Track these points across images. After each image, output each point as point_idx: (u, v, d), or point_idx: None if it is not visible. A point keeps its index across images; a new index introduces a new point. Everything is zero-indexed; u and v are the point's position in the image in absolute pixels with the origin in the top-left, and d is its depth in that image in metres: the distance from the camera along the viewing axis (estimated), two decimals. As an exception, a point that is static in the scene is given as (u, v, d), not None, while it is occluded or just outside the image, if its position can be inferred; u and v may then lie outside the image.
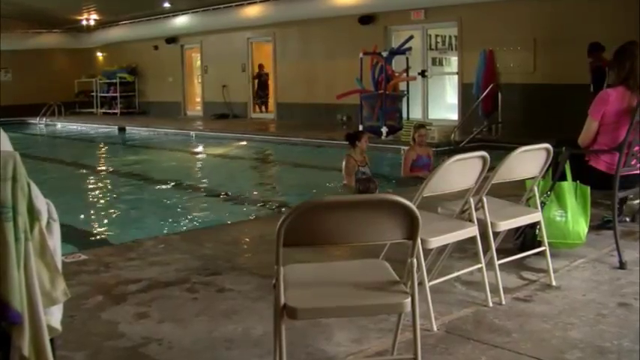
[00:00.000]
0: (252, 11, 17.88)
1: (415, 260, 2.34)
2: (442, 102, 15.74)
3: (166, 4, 19.31)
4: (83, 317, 3.29)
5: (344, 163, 8.09)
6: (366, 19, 15.55)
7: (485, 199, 3.42)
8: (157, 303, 3.50)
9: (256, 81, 19.58)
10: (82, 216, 7.36)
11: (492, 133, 12.53)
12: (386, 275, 2.48)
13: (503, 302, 3.38)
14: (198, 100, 21.84)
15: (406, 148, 8.78)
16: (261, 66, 19.39)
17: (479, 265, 3.39)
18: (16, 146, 1.92)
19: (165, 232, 6.23)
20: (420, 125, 9.23)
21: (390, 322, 2.99)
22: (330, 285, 2.45)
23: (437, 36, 15.27)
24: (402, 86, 13.62)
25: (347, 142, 8.28)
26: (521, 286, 3.66)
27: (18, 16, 20.65)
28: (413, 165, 8.64)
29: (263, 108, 19.83)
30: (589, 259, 4.12)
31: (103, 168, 12.33)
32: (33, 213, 1.74)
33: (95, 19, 22.47)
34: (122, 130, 18.92)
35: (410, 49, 13.29)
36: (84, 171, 11.69)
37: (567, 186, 4.08)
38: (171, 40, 21.48)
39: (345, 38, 15.87)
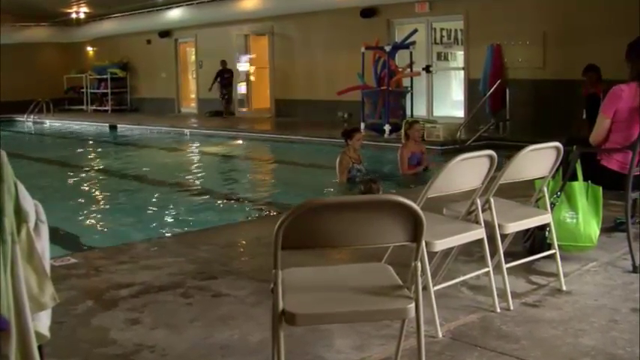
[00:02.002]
0: (249, 4, 17.89)
1: (419, 264, 2.34)
2: (447, 99, 15.74)
3: (159, -4, 19.36)
4: (72, 323, 3.29)
5: (338, 160, 8.37)
6: (368, 12, 15.56)
7: (492, 200, 3.42)
8: (149, 308, 3.50)
9: (219, 79, 18.85)
10: (72, 218, 7.35)
11: (500, 132, 12.52)
12: (389, 279, 2.48)
13: (512, 308, 3.38)
14: (193, 96, 21.85)
15: (400, 150, 9.06)
16: (224, 62, 18.83)
17: (486, 269, 3.40)
18: (3, 145, 1.92)
19: (158, 234, 6.23)
20: (414, 121, 9.42)
21: (393, 328, 2.99)
22: (330, 290, 2.45)
23: (442, 30, 15.27)
24: (406, 82, 13.61)
25: (343, 139, 8.57)
26: (530, 291, 3.66)
27: (4, 9, 20.63)
28: (407, 162, 8.82)
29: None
30: (601, 263, 4.12)
31: (94, 167, 12.32)
32: (20, 214, 1.74)
33: (85, 12, 22.47)
34: (113, 127, 18.92)
35: (414, 43, 13.30)
36: (73, 171, 11.67)
37: (578, 186, 4.08)
38: (165, 33, 21.49)
39: (346, 32, 15.86)
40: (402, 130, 9.33)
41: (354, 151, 8.40)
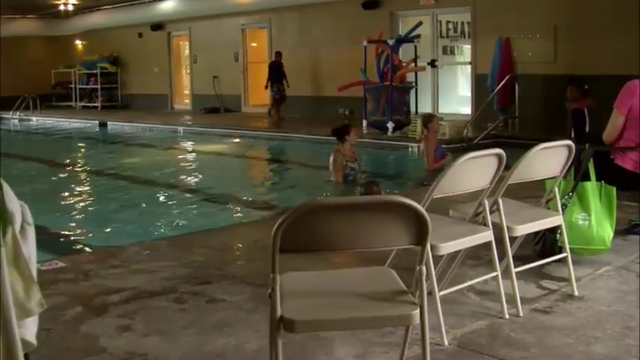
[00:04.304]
0: (246, -5, 17.91)
1: (424, 268, 2.34)
2: (454, 95, 15.74)
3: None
4: (61, 330, 3.29)
5: (331, 158, 8.41)
6: (371, 4, 15.55)
7: (500, 201, 3.42)
8: (141, 315, 3.50)
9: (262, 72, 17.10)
10: (60, 220, 7.35)
11: (508, 129, 12.52)
12: (392, 284, 2.48)
13: (521, 314, 3.38)
14: (187, 92, 21.85)
15: (419, 144, 9.37)
16: (278, 53, 16.83)
17: (494, 274, 3.39)
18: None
19: (150, 236, 6.23)
20: (432, 115, 9.81)
21: (396, 335, 2.99)
22: (331, 295, 2.46)
23: (448, 22, 15.26)
24: (410, 77, 13.61)
25: (334, 138, 8.61)
26: (541, 297, 3.66)
27: (-11, 1, 20.65)
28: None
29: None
30: (615, 267, 4.12)
31: (83, 167, 12.33)
32: (5, 216, 1.74)
33: (74, 4, 22.42)
34: (103, 125, 18.92)
35: (418, 36, 13.30)
36: (61, 170, 11.68)
37: (591, 186, 4.08)
38: (157, 26, 21.48)
39: (347, 25, 15.86)
40: (420, 125, 9.57)
41: (349, 148, 8.47)
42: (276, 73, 16.58)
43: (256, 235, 5.14)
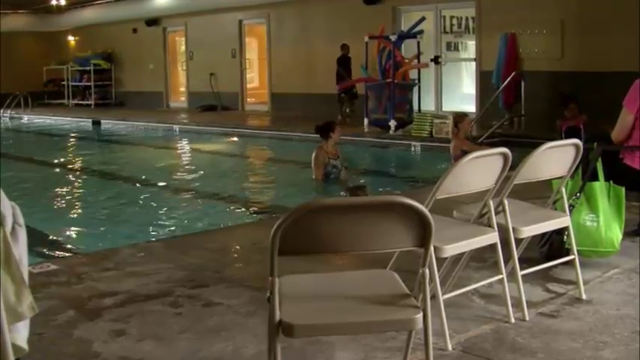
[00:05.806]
0: (244, -11, 17.92)
1: (427, 271, 2.34)
2: (458, 92, 15.74)
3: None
4: (53, 335, 3.29)
5: (314, 155, 8.54)
6: (372, -1, 15.58)
7: (506, 202, 3.43)
8: (135, 319, 3.50)
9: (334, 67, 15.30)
10: (52, 221, 7.35)
11: (514, 127, 12.53)
12: (394, 287, 2.48)
13: (527, 318, 3.38)
14: (183, 89, 21.86)
15: (453, 143, 9.30)
16: (344, 46, 15.24)
17: (499, 276, 3.40)
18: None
19: (145, 238, 6.23)
20: (465, 114, 9.80)
21: (399, 340, 2.99)
22: (331, 298, 2.45)
23: (452, 17, 15.27)
24: (413, 74, 13.61)
25: (318, 135, 8.70)
26: (547, 300, 3.66)
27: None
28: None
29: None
30: (623, 270, 4.12)
31: (76, 166, 12.33)
32: (-4, 217, 1.74)
33: (66, -2, 22.49)
34: (97, 123, 18.93)
35: (421, 32, 13.30)
36: (54, 170, 11.68)
37: (599, 187, 4.08)
38: (153, 22, 21.49)
39: (348, 20, 15.87)
40: (451, 123, 9.76)
41: (332, 146, 8.58)
42: (348, 68, 15.24)
43: (254, 237, 5.15)
